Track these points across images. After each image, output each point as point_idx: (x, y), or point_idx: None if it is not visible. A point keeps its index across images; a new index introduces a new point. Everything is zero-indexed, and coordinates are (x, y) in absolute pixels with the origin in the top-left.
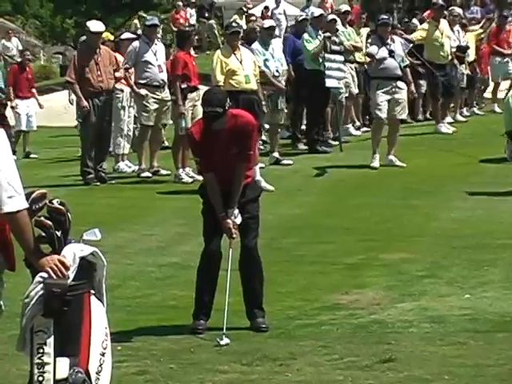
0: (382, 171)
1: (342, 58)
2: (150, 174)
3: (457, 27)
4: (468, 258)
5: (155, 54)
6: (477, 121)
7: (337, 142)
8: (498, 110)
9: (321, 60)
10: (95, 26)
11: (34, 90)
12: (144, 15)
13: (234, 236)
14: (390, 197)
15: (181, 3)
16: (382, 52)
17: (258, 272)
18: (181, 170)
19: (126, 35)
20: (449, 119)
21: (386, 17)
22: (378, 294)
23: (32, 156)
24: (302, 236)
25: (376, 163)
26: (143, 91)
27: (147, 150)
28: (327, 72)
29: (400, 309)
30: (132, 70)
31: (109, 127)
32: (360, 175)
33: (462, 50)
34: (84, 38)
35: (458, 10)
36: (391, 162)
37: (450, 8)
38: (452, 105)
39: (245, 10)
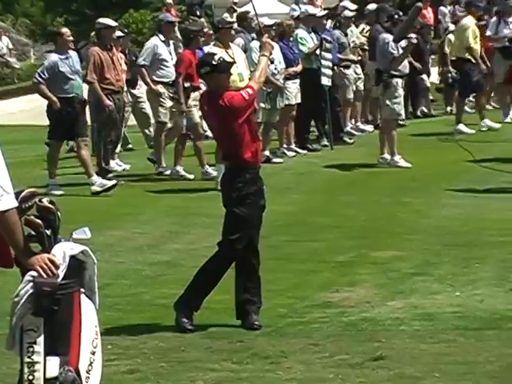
0: (373, 169)
1: (331, 56)
2: (169, 172)
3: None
4: (458, 255)
5: (170, 53)
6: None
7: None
8: None
9: (313, 58)
10: (108, 21)
11: None
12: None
13: None
14: (381, 194)
15: (171, 1)
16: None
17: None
18: (179, 167)
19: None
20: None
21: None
22: (369, 291)
23: None
24: (292, 234)
25: (404, 162)
26: (159, 89)
27: (165, 148)
28: (322, 70)
29: (390, 307)
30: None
31: (121, 127)
32: (351, 173)
33: None
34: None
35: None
36: (396, 162)
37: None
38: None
39: (235, 8)
